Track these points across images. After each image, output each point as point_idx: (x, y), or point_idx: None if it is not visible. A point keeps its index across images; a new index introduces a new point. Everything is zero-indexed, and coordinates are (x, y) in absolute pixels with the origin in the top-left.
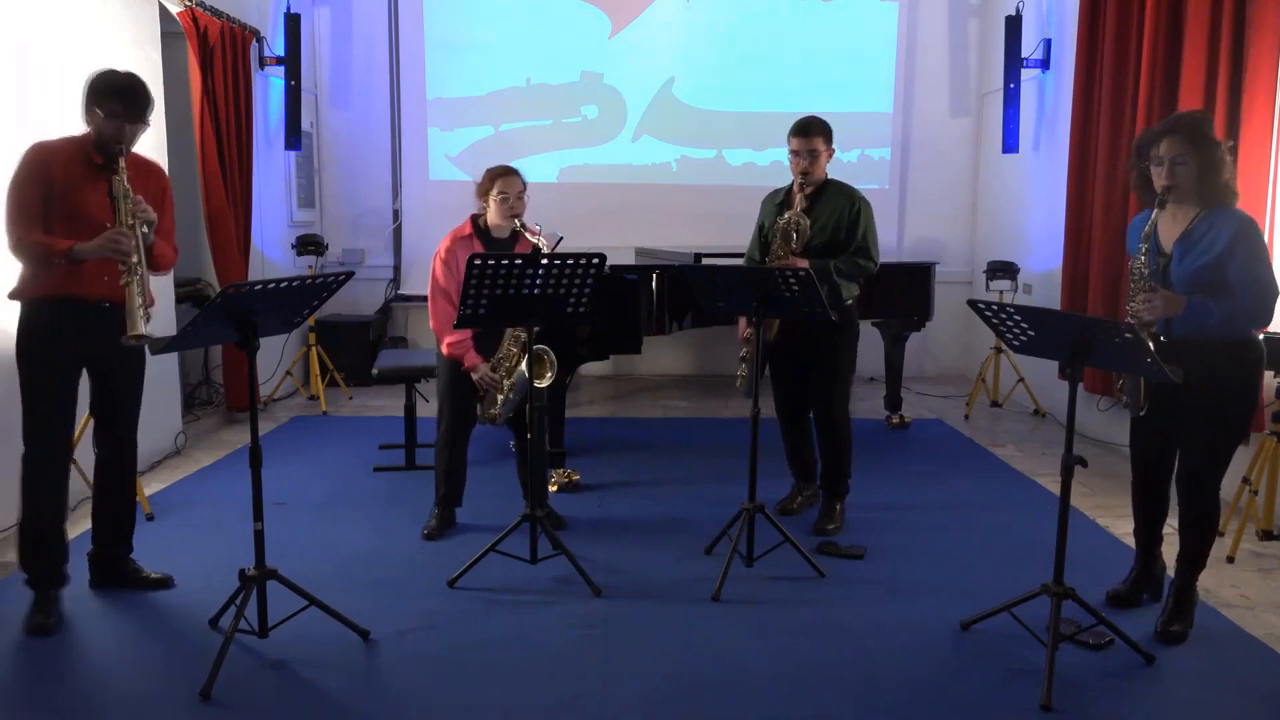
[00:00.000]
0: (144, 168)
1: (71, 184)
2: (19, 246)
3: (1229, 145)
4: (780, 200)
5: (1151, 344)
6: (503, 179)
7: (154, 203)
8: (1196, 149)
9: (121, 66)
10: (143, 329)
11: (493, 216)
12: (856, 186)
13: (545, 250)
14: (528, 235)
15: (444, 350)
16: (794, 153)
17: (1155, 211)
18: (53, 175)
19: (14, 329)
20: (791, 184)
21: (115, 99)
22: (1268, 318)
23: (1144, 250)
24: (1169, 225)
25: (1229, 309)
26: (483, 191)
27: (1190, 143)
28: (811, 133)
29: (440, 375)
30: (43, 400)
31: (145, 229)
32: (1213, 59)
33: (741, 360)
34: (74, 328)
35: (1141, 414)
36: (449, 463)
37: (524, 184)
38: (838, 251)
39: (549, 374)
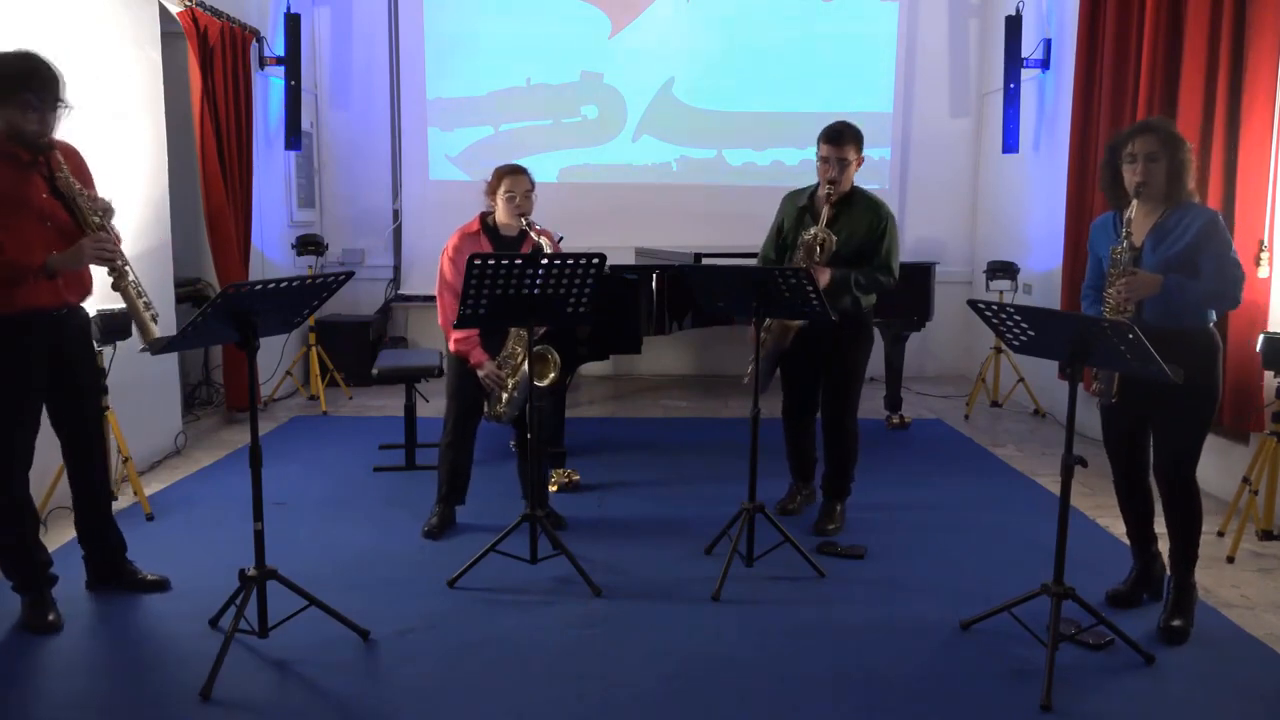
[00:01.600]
0: (63, 150)
1: (4, 186)
2: (25, 277)
3: (1190, 148)
4: (804, 204)
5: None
6: (510, 178)
7: (83, 184)
8: (1167, 148)
9: (121, 67)
10: (156, 332)
11: (501, 215)
12: (863, 188)
13: (547, 250)
14: (533, 235)
15: (451, 347)
16: (823, 159)
17: (1133, 204)
18: None
19: None
20: (815, 187)
21: (25, 90)
22: (1237, 300)
23: (1125, 236)
24: (1138, 222)
25: (1202, 289)
26: (491, 190)
27: (1162, 142)
28: (844, 140)
29: (448, 372)
30: (12, 431)
31: (98, 218)
32: (1213, 59)
33: (751, 360)
34: (39, 344)
35: (1113, 401)
36: (454, 459)
37: (532, 183)
38: (859, 263)
39: (552, 373)
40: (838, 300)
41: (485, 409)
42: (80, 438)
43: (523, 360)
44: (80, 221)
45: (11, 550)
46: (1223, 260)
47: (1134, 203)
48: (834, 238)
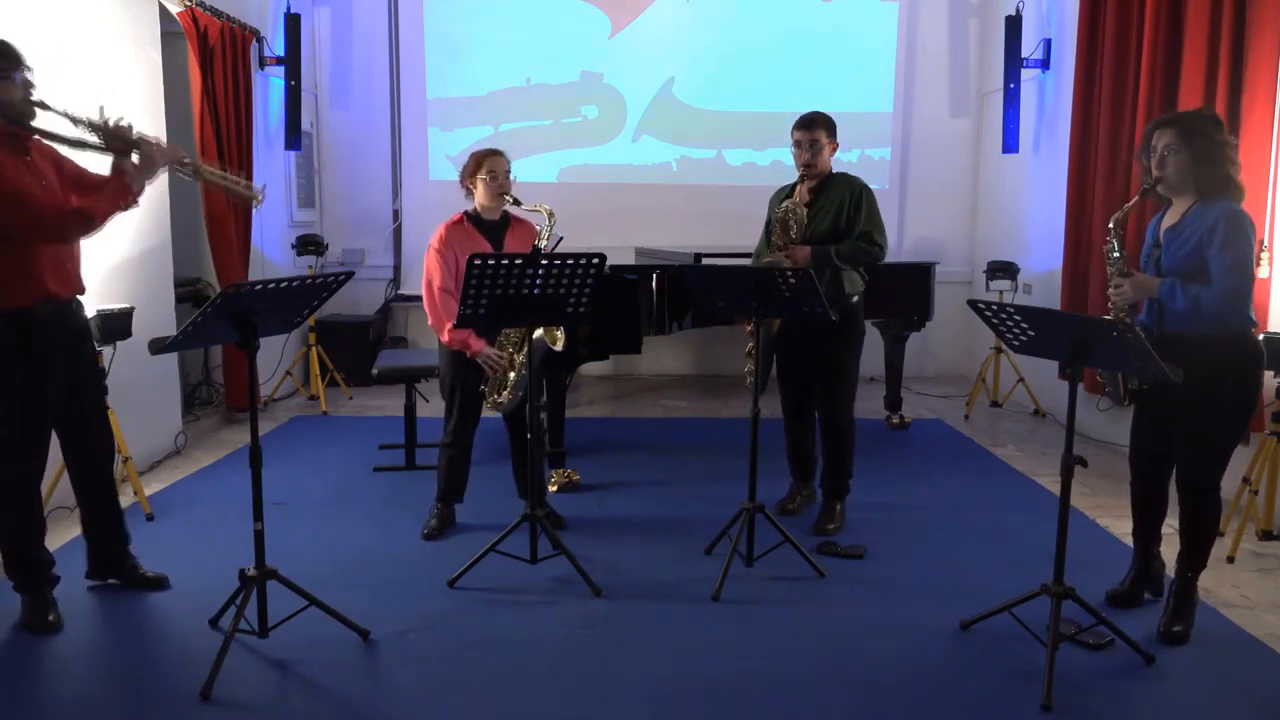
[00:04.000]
0: (47, 151)
1: (6, 166)
2: (67, 221)
3: (1233, 142)
4: (786, 196)
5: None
6: (489, 159)
7: (63, 169)
8: (1188, 141)
9: (121, 67)
10: (260, 196)
11: (481, 197)
12: (842, 172)
13: (543, 236)
14: (519, 212)
15: (444, 339)
16: (796, 144)
17: (1159, 207)
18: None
19: None
20: (798, 179)
21: (2, 58)
22: (1239, 307)
23: (1111, 235)
24: (1169, 218)
25: (1195, 293)
26: (469, 174)
27: (1181, 135)
28: (814, 125)
29: (443, 369)
30: (24, 418)
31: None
32: (1213, 59)
33: (749, 356)
34: (53, 336)
35: (1125, 404)
36: (453, 455)
37: (509, 163)
38: (842, 240)
39: (560, 336)
40: (820, 276)
41: (486, 398)
42: (82, 432)
43: (524, 335)
44: (125, 143)
45: (17, 547)
46: (1225, 258)
47: (1138, 199)
48: (804, 210)
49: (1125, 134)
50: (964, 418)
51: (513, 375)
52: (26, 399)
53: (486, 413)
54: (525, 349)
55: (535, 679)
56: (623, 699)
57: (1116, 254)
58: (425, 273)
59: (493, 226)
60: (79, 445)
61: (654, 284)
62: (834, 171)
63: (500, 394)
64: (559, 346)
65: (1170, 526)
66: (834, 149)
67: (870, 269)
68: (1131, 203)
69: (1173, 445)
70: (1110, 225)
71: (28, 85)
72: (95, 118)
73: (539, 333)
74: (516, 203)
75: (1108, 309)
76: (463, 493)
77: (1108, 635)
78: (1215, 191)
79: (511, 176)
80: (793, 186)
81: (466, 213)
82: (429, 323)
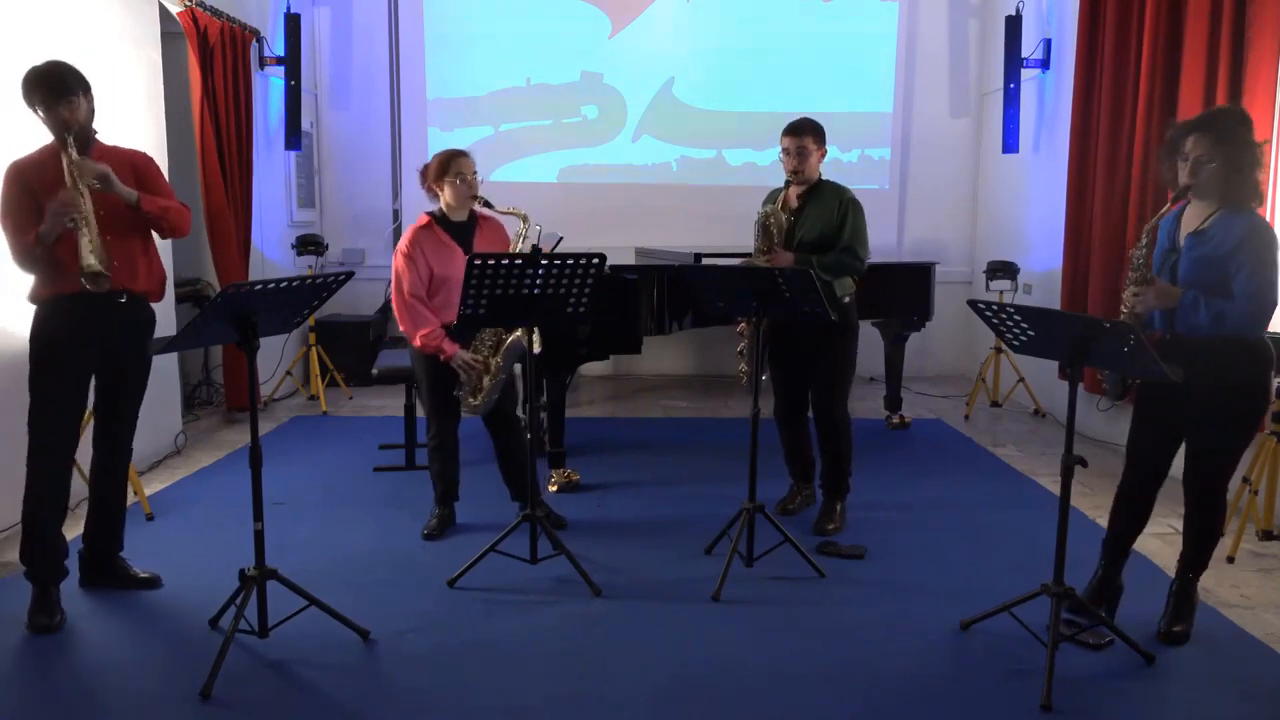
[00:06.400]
0: (125, 158)
1: (49, 188)
2: (26, 257)
3: (1263, 144)
4: (777, 200)
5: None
6: (456, 161)
7: (141, 179)
8: (1222, 150)
9: (121, 67)
10: (92, 261)
11: (449, 199)
12: (856, 187)
13: (521, 240)
14: (489, 213)
15: (417, 344)
16: (785, 151)
17: (1177, 205)
18: (32, 186)
19: (16, 329)
20: (787, 184)
21: (36, 92)
22: (1260, 325)
23: (1144, 241)
24: (1189, 218)
25: (1219, 308)
26: (436, 177)
27: (1216, 142)
28: (802, 131)
29: (418, 374)
30: (53, 402)
31: (96, 184)
32: (1213, 59)
33: (741, 354)
34: (91, 325)
35: (1120, 400)
36: (442, 459)
37: (474, 163)
38: (827, 249)
39: (537, 338)
40: None
41: (462, 402)
42: (111, 433)
43: (502, 338)
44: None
45: (29, 534)
46: (1254, 280)
47: (1172, 204)
48: (784, 216)
49: (1125, 134)
50: (964, 418)
51: (487, 379)
52: (48, 378)
53: (467, 413)
54: (500, 352)
55: (535, 679)
56: (623, 699)
57: (1143, 260)
58: (394, 278)
59: (460, 228)
60: (103, 436)
61: (654, 284)
62: (823, 179)
63: (475, 397)
64: (536, 348)
65: (1172, 528)
66: (822, 155)
67: (869, 269)
68: (1165, 209)
69: (1172, 448)
70: (1145, 231)
71: (81, 113)
72: (88, 165)
73: (518, 333)
74: (487, 204)
75: (1120, 311)
76: (456, 492)
77: (1108, 635)
78: (1242, 199)
79: (480, 177)
80: (781, 191)
81: (432, 214)
82: (400, 328)
